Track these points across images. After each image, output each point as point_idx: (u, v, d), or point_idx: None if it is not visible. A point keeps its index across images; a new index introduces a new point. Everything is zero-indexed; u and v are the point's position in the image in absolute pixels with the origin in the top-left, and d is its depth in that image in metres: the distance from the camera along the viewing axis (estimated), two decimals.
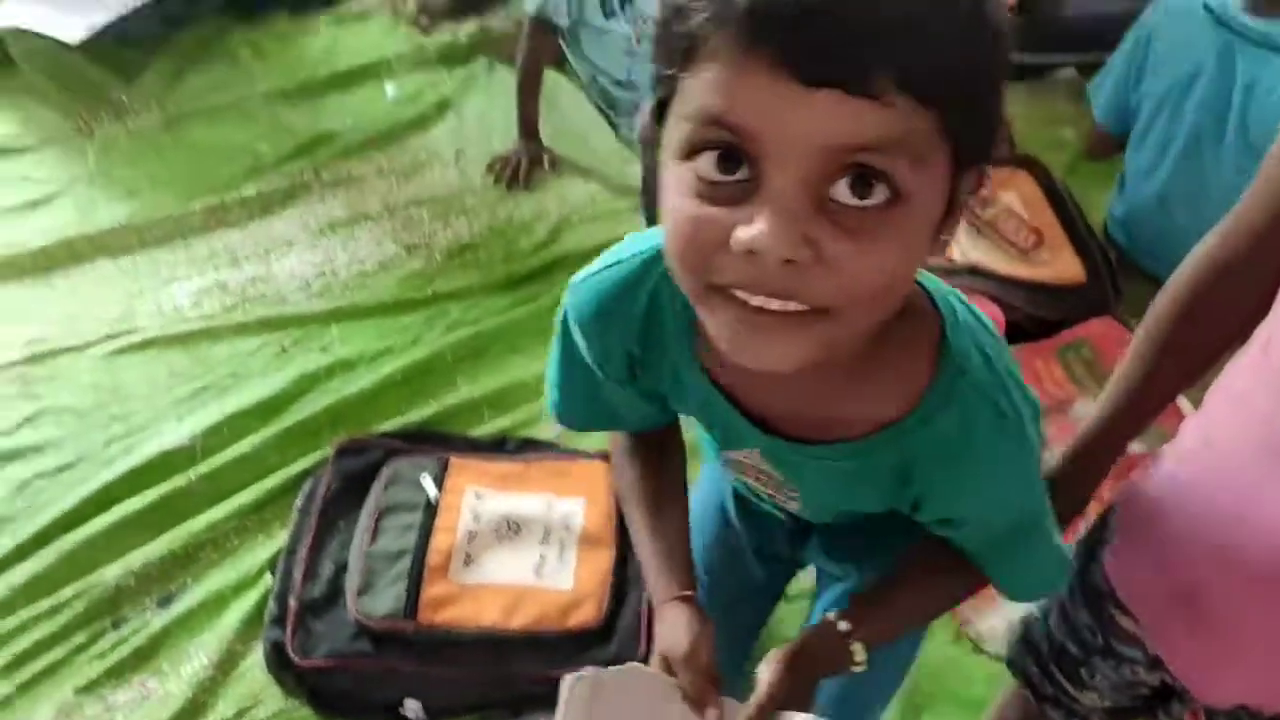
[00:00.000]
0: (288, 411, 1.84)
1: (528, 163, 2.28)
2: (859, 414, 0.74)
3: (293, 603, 1.53)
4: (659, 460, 0.95)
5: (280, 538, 1.65)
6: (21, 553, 1.64)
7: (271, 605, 1.56)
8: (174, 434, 1.80)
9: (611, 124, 2.37)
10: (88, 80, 2.48)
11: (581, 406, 0.90)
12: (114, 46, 2.54)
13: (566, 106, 2.41)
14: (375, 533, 1.58)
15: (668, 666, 0.84)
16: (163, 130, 2.39)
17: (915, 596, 0.91)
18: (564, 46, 2.31)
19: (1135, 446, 1.77)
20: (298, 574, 1.56)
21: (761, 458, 0.83)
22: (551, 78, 2.35)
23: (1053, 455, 1.01)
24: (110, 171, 2.29)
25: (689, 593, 0.88)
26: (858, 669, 0.86)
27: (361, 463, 1.70)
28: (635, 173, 2.26)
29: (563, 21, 2.20)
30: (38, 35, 2.43)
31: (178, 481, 1.72)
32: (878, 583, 0.91)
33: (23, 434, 1.81)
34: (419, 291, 2.06)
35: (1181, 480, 0.90)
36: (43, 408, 1.85)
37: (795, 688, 0.84)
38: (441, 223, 2.20)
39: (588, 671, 0.81)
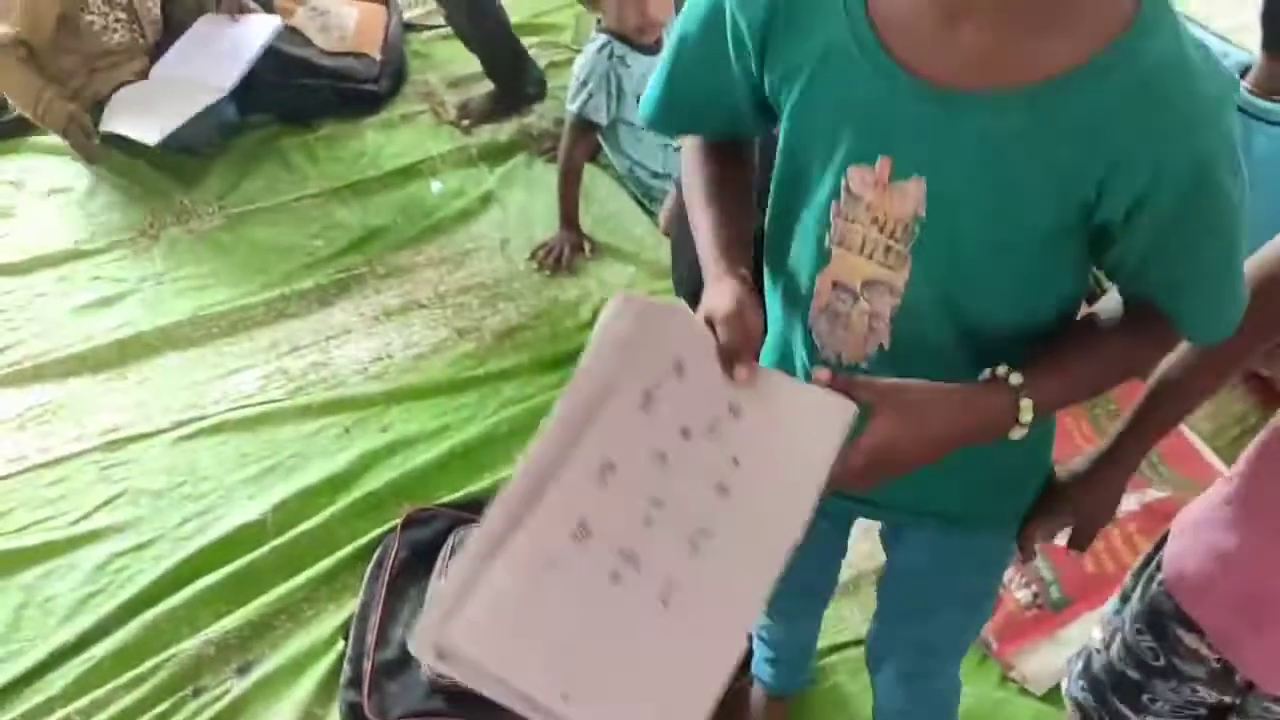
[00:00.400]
0: (354, 486, 1.93)
1: (569, 249, 2.40)
2: (1045, 52, 0.70)
3: (367, 665, 1.60)
4: (732, 164, 0.94)
5: (351, 606, 1.73)
6: (104, 628, 1.72)
7: (346, 669, 1.63)
8: (246, 511, 1.89)
9: (648, 212, 2.50)
10: (154, 187, 2.63)
11: (679, 100, 0.91)
12: (177, 156, 2.70)
13: (604, 196, 2.55)
14: None
15: (710, 327, 0.80)
16: (223, 230, 2.53)
17: (1090, 356, 0.84)
18: (602, 142, 2.45)
19: (1154, 492, 1.83)
20: (371, 638, 1.63)
21: (890, 171, 0.76)
22: (589, 169, 2.49)
23: (1082, 458, 1.06)
24: (176, 270, 2.42)
25: (744, 273, 0.85)
26: (1017, 435, 0.80)
27: (428, 532, 1.78)
28: (669, 256, 2.39)
29: (602, 120, 2.35)
30: (113, 146, 2.62)
31: (251, 555, 1.81)
32: (1045, 346, 0.84)
33: (102, 516, 1.90)
34: (472, 372, 2.16)
35: (1239, 493, 0.97)
36: (120, 490, 1.94)
37: (930, 424, 0.77)
38: (490, 308, 2.32)
39: (637, 296, 0.78)
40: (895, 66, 0.75)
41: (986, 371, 0.81)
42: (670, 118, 0.96)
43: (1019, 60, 0.71)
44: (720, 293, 0.82)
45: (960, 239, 0.80)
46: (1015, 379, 0.80)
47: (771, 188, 0.92)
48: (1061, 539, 1.09)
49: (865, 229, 0.82)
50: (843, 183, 0.82)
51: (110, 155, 2.63)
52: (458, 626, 0.68)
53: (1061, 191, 0.74)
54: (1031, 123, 0.71)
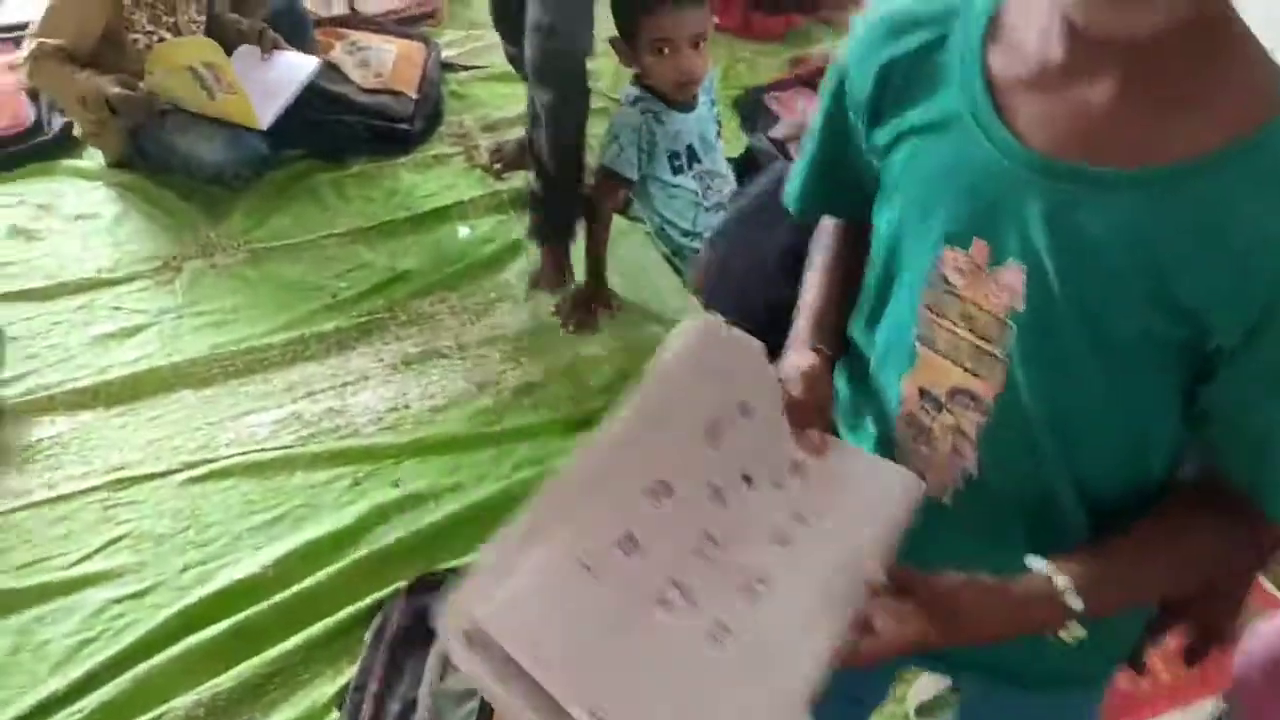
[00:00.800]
0: (360, 543, 1.88)
1: (595, 305, 2.36)
2: (1178, 131, 0.63)
3: None
4: (853, 243, 0.91)
5: (348, 673, 1.67)
6: (96, 679, 1.68)
7: None
8: (248, 563, 1.84)
9: (677, 270, 2.45)
10: (181, 218, 2.62)
11: (815, 181, 0.89)
12: (206, 187, 2.69)
13: (631, 251, 2.51)
14: (444, 672, 1.60)
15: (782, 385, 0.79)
16: (247, 266, 2.51)
17: (1152, 551, 0.72)
18: (631, 196, 2.42)
19: None
20: (367, 711, 1.58)
21: (988, 256, 0.69)
22: (618, 224, 2.45)
23: None
24: (196, 304, 2.39)
25: (826, 351, 0.85)
26: (1066, 640, 0.70)
27: (432, 600, 1.72)
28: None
29: (632, 175, 2.31)
30: (143, 174, 2.63)
31: (250, 610, 1.76)
32: (1101, 539, 0.74)
33: (102, 559, 1.86)
34: (488, 428, 2.11)
35: None
36: (123, 533, 1.90)
37: (973, 630, 0.69)
38: (511, 361, 2.27)
39: (717, 320, 0.78)
40: (1008, 133, 0.68)
41: (1035, 562, 0.71)
42: (808, 203, 0.93)
43: (1146, 137, 0.64)
44: (800, 356, 0.83)
45: (1060, 343, 0.69)
46: (1061, 581, 0.70)
47: (865, 278, 0.86)
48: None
49: (955, 325, 0.75)
50: (934, 268, 0.74)
51: (152, 107, 2.61)
52: (491, 608, 0.66)
53: (1175, 296, 0.64)
54: (1150, 210, 0.63)
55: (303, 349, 2.29)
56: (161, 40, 2.65)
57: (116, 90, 2.50)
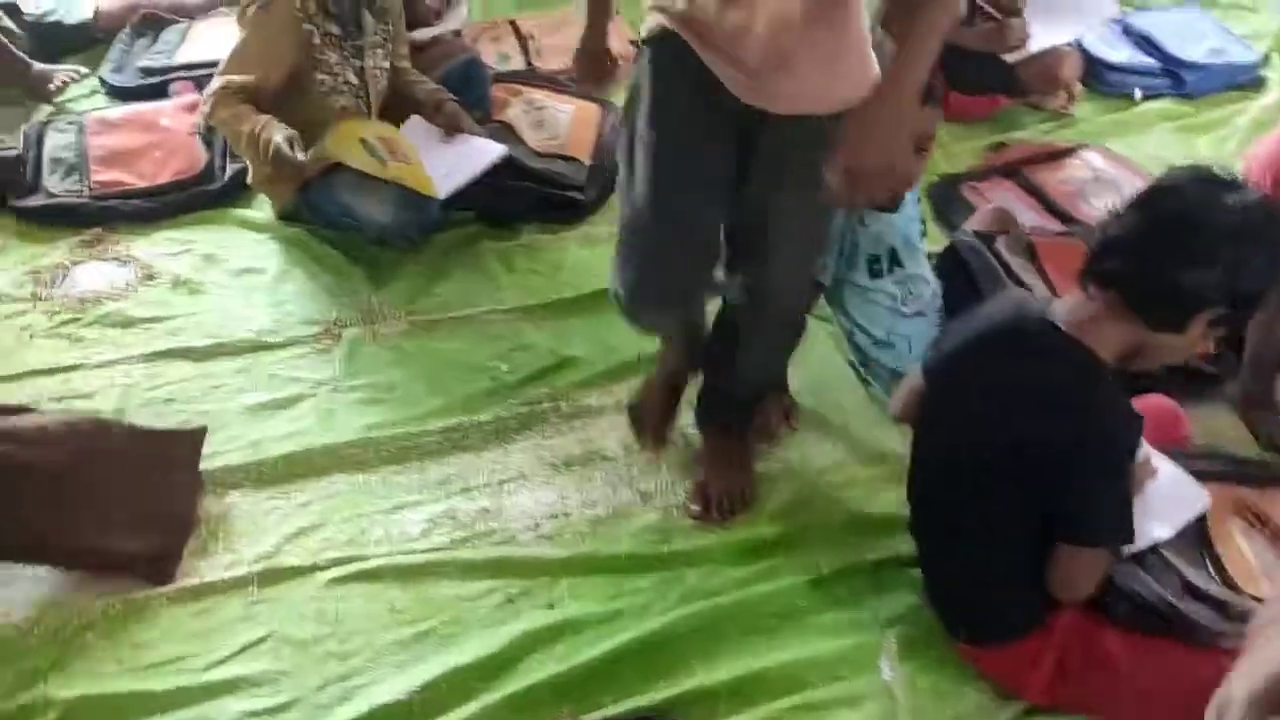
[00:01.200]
0: (511, 674, 1.72)
1: (774, 415, 2.16)
2: None
3: None
4: None
5: None
6: None
7: None
8: (391, 686, 1.70)
9: (864, 380, 2.25)
10: (344, 280, 2.54)
11: None
12: (372, 249, 2.60)
13: (817, 358, 2.31)
14: None
15: None
16: (407, 338, 2.40)
17: None
18: (824, 299, 2.22)
19: None
20: None
21: None
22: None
23: None
24: (353, 377, 2.29)
25: None
26: None
27: None
28: (885, 436, 2.13)
29: (825, 280, 2.12)
30: (309, 228, 2.58)
31: None
32: None
33: (241, 662, 1.75)
34: (654, 548, 1.93)
35: None
36: (264, 634, 1.79)
37: None
38: (680, 471, 2.09)
39: None
40: None
41: None
42: None
43: None
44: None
45: None
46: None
47: None
48: None
49: None
50: None
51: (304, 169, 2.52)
52: None
53: None
54: None
55: (460, 438, 2.15)
56: (348, 84, 2.58)
57: (280, 141, 2.42)
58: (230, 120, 2.49)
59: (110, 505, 1.90)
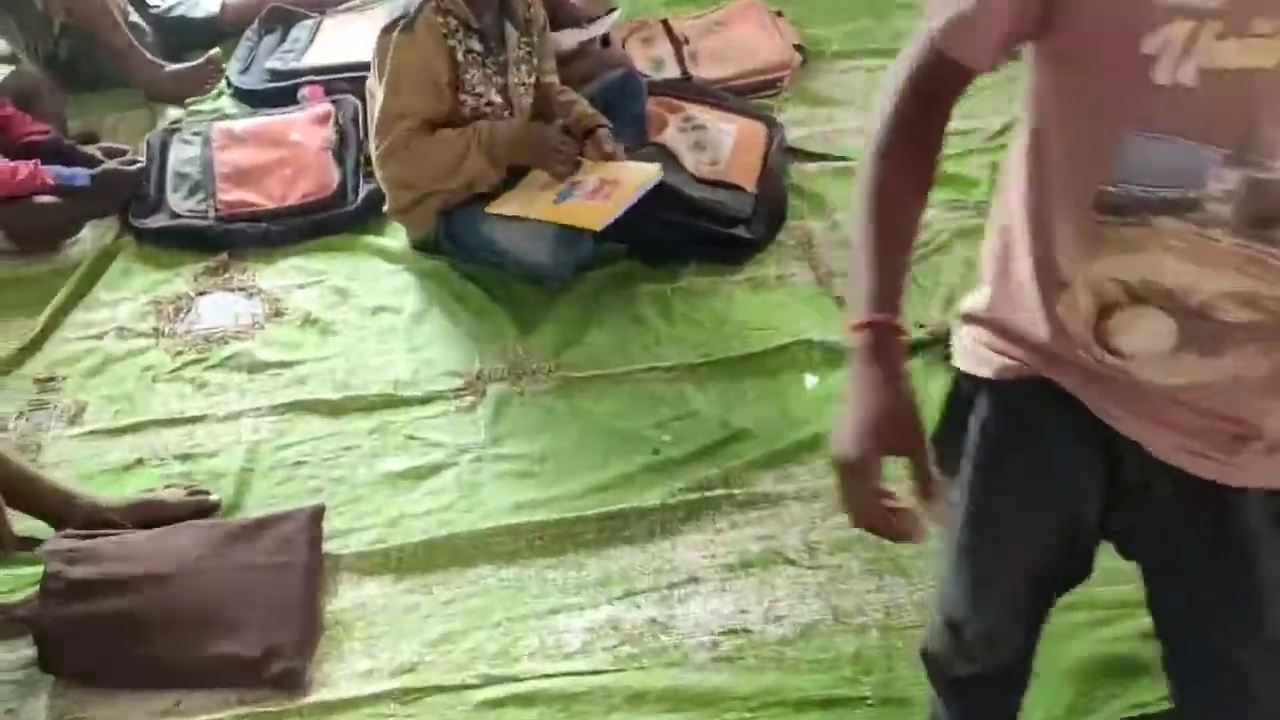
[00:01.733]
0: None
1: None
2: None
3: None
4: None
5: None
6: None
7: None
8: None
9: None
10: (487, 322, 2.30)
11: None
12: (519, 285, 2.36)
13: None
14: None
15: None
16: (557, 396, 2.15)
17: None
18: None
19: None
20: None
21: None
22: None
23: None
24: (500, 444, 2.06)
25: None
26: None
27: None
28: None
29: None
30: (448, 261, 2.39)
31: None
32: None
33: None
34: (852, 687, 1.65)
35: None
36: None
37: None
38: (876, 580, 1.80)
39: None
40: None
41: None
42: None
43: None
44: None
45: None
46: None
47: None
48: None
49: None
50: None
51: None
52: None
53: None
54: None
55: (621, 527, 1.90)
56: (490, 104, 2.34)
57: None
58: (434, 153, 2.30)
59: (225, 609, 1.71)
